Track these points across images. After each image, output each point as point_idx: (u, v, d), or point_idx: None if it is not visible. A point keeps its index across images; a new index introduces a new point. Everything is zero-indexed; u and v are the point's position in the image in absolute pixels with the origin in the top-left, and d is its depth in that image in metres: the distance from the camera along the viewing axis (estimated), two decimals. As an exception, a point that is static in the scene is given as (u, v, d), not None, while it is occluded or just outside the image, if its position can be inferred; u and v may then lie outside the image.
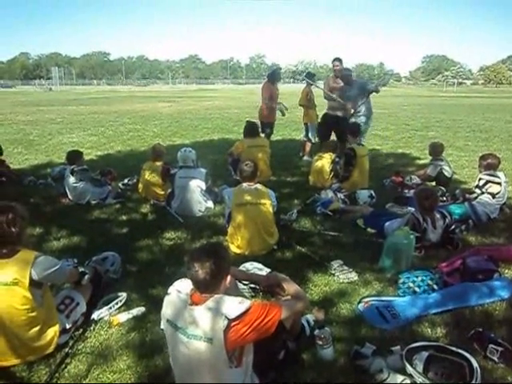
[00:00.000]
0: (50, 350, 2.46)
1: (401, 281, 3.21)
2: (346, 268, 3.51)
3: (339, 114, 7.15)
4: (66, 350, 2.53)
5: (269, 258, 3.73)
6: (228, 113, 18.68)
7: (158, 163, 5.51)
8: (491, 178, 4.79)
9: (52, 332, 2.45)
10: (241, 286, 2.95)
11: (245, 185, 3.99)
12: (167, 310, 2.00)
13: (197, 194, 4.98)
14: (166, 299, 2.03)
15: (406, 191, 5.58)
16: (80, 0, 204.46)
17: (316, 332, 2.49)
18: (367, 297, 3.12)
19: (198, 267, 1.86)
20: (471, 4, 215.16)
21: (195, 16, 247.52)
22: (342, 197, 5.37)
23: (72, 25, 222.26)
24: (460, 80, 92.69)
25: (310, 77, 8.52)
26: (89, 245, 4.13)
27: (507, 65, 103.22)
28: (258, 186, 3.99)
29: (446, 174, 5.79)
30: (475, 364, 2.21)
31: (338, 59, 7.32)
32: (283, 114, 8.14)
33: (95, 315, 2.84)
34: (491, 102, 28.35)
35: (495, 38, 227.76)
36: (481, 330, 2.61)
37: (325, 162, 6.05)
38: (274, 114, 8.01)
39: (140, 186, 5.64)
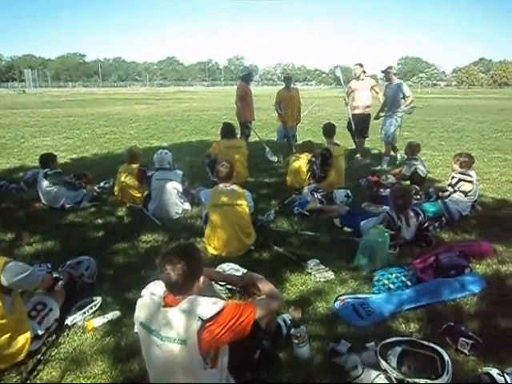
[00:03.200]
0: (21, 357, 2.40)
1: (375, 278, 3.27)
2: (322, 267, 3.55)
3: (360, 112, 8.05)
4: (39, 356, 2.48)
5: (246, 259, 3.74)
6: (206, 114, 18.61)
7: (134, 165, 5.45)
8: (463, 177, 4.92)
9: (23, 339, 2.39)
10: (218, 287, 2.94)
11: (221, 186, 3.98)
12: (140, 313, 1.98)
13: (173, 196, 4.95)
14: (139, 302, 2.01)
15: (382, 190, 5.66)
16: (54, 0, 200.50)
17: (292, 331, 2.50)
18: (343, 295, 3.16)
19: (169, 269, 1.84)
20: (444, 7, 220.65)
21: (173, 17, 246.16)
22: (319, 197, 5.42)
23: (46, 26, 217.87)
24: (434, 81, 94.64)
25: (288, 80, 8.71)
26: (63, 249, 4.05)
27: (479, 67, 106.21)
28: (235, 186, 4.00)
29: (420, 173, 5.90)
30: (446, 357, 2.25)
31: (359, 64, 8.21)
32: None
33: (69, 320, 2.80)
34: (464, 103, 29.08)
35: (467, 41, 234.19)
36: (452, 324, 2.68)
37: (301, 162, 6.09)
38: (249, 112, 8.15)
39: (116, 188, 5.57)
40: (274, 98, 8.50)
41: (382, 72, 7.91)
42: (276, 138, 8.86)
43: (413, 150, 6.13)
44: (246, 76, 8.29)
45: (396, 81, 7.69)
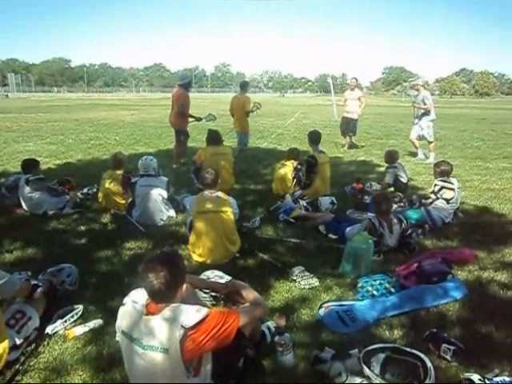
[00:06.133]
0: (-1, 367, 2.33)
1: (359, 285, 3.29)
2: (307, 274, 3.55)
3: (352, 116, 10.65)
4: (17, 366, 2.42)
5: (231, 266, 3.72)
6: (192, 121, 18.53)
7: (119, 172, 5.40)
8: (445, 184, 5.00)
9: (0, 349, 2.31)
10: (202, 294, 2.92)
11: (206, 193, 3.97)
12: (122, 322, 1.95)
13: (158, 202, 4.92)
14: (121, 310, 1.98)
15: (366, 198, 5.72)
16: (38, 4, 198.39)
17: (276, 338, 2.49)
18: (327, 302, 3.16)
19: (152, 277, 1.83)
20: (427, 18, 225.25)
21: (160, 24, 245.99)
22: (305, 204, 5.43)
23: (31, 30, 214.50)
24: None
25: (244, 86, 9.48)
26: (45, 256, 3.98)
27: (460, 77, 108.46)
28: (219, 193, 3.99)
29: (402, 180, 5.99)
30: (429, 364, 2.27)
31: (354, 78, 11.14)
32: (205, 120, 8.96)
33: (49, 329, 2.74)
34: (446, 112, 29.53)
35: (449, 52, 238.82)
36: (435, 330, 2.70)
37: (287, 169, 6.11)
38: (186, 121, 8.42)
39: (100, 195, 5.50)
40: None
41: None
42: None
43: (392, 157, 6.24)
44: (187, 83, 8.52)
45: (423, 92, 9.30)
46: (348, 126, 10.75)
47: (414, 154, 9.86)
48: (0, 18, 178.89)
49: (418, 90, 9.42)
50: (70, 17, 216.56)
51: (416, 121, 9.48)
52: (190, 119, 8.49)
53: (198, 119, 8.64)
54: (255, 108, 8.99)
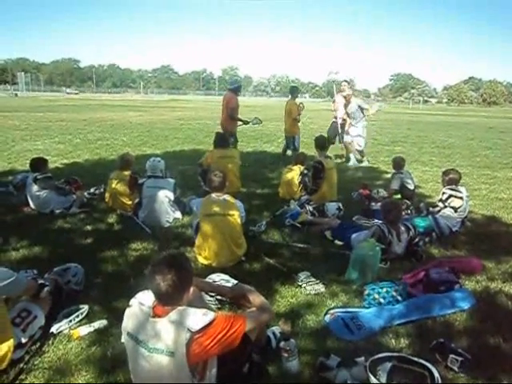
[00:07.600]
0: (3, 366, 2.32)
1: (366, 292, 3.25)
2: (313, 279, 3.52)
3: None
4: (21, 365, 2.41)
5: (237, 270, 3.70)
6: (199, 123, 18.61)
7: (126, 172, 5.41)
8: (453, 193, 4.96)
9: (5, 347, 2.31)
10: (207, 297, 2.90)
11: (213, 195, 3.96)
12: (128, 323, 1.94)
13: (165, 204, 4.92)
14: (128, 311, 1.97)
15: (373, 204, 5.69)
16: (49, 4, 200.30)
17: (281, 344, 2.47)
18: (333, 308, 3.14)
19: (159, 279, 1.82)
20: (435, 25, 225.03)
21: (169, 26, 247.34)
22: (311, 209, 5.41)
23: (41, 30, 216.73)
24: (425, 98, 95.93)
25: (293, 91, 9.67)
26: (51, 255, 3.98)
27: (468, 85, 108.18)
28: (227, 196, 3.98)
29: (408, 186, 5.95)
30: (436, 374, 2.24)
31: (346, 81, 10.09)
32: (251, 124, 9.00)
33: (54, 328, 2.73)
34: (454, 120, 29.50)
35: (458, 59, 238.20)
36: (442, 340, 2.67)
37: (294, 174, 6.11)
38: (236, 124, 8.38)
39: (107, 195, 5.52)
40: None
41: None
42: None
43: (398, 164, 6.23)
44: (237, 88, 8.56)
45: (355, 101, 9.37)
46: (336, 132, 9.91)
47: (422, 163, 9.82)
48: (11, 17, 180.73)
49: (349, 101, 9.36)
50: (79, 18, 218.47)
51: (353, 129, 9.47)
52: (239, 123, 8.49)
53: (246, 122, 8.68)
54: (300, 110, 9.20)
